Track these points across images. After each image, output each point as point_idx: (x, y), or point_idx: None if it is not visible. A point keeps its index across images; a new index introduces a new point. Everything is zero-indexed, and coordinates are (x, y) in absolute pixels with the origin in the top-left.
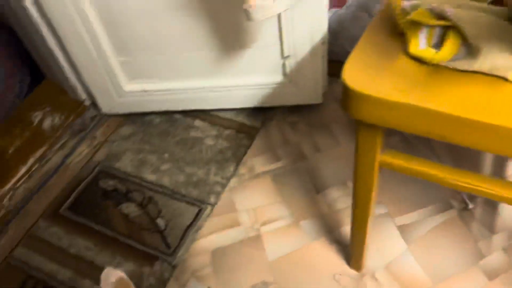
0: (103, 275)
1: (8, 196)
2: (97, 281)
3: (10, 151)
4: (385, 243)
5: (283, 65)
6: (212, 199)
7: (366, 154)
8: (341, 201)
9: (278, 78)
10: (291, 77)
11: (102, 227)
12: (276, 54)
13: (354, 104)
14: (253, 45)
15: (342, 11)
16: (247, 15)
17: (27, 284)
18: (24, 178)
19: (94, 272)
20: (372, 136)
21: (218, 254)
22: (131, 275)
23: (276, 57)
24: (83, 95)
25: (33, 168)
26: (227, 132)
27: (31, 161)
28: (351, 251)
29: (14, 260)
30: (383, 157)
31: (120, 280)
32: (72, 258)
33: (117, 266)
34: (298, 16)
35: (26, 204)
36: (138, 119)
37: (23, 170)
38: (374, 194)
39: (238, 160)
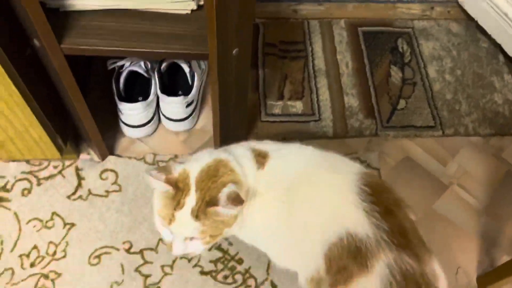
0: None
1: None
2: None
3: None
4: None
5: None
6: (448, 131)
7: None
8: None
9: None
10: None
11: (368, 62)
12: None
13: None
14: None
15: None
16: None
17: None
18: None
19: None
20: None
21: (408, 162)
22: (349, 109)
23: None
24: None
25: None
26: None
27: None
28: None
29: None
30: None
31: None
32: (334, 63)
33: (350, 99)
34: None
35: (347, 3)
36: (473, 28)
37: None
38: None
39: (503, 132)
